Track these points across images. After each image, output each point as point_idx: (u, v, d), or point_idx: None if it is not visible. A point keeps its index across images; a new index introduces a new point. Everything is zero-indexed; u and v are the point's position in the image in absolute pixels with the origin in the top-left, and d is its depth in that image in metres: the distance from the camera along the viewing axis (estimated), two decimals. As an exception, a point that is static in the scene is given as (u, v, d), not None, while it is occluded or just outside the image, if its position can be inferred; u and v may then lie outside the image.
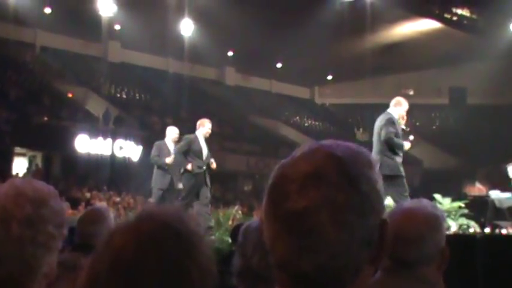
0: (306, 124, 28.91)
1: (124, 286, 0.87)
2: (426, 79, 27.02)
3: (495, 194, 8.71)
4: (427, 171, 23.67)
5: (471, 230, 7.53)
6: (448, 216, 7.45)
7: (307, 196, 0.82)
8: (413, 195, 10.12)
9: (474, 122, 25.30)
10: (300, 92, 30.85)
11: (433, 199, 7.73)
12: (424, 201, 1.72)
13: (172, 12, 20.34)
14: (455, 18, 23.44)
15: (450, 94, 27.96)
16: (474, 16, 23.40)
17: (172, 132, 8.74)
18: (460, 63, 24.79)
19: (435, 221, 1.66)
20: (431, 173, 22.80)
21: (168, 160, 8.42)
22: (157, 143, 8.69)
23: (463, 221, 7.42)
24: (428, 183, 18.62)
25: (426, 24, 23.49)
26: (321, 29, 20.13)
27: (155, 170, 8.48)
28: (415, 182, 20.77)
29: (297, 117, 29.17)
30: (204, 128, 8.38)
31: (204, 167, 8.13)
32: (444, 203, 7.70)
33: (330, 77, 29.31)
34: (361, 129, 27.80)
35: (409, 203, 1.73)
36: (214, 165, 8.13)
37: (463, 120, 26.07)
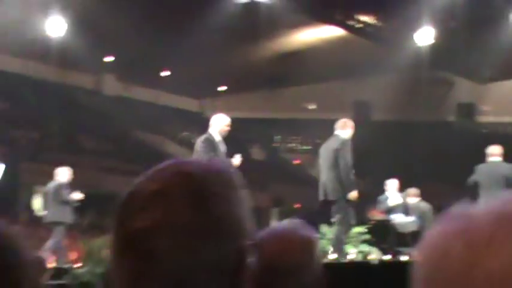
0: (193, 141, 29.01)
1: None
2: (329, 92, 28.04)
3: (397, 218, 9.27)
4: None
5: (372, 257, 8.01)
6: (349, 242, 7.92)
7: (149, 215, 0.82)
8: (313, 219, 10.61)
9: (379, 140, 26.62)
10: (189, 104, 30.98)
11: (330, 224, 8.18)
12: (297, 223, 1.71)
13: (38, 7, 19.76)
14: (359, 25, 24.63)
15: (354, 108, 29.21)
16: (379, 24, 24.72)
17: (222, 121, 7.84)
18: (365, 75, 25.99)
19: (311, 245, 1.66)
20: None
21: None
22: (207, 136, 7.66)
23: (365, 247, 7.87)
24: (330, 206, 19.38)
25: (328, 32, 24.51)
26: (212, 34, 20.41)
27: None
28: (316, 205, 21.53)
29: (185, 133, 29.21)
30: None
31: None
32: (346, 228, 8.17)
33: (222, 88, 29.66)
34: (256, 147, 28.33)
35: (281, 225, 1.73)
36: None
37: (367, 138, 27.30)
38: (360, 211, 20.59)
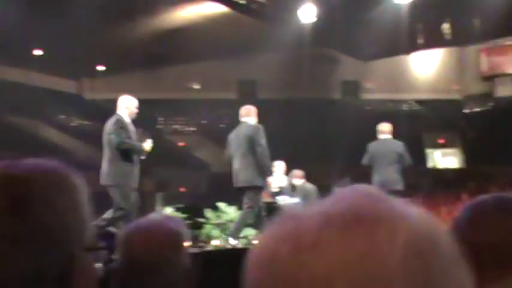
0: (73, 124, 28.29)
1: None
2: (212, 71, 28.07)
3: (282, 200, 9.46)
4: (215, 176, 24.72)
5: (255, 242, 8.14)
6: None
7: None
8: (198, 203, 10.63)
9: (265, 119, 27.07)
10: (66, 85, 30.03)
11: (215, 208, 8.24)
12: (163, 216, 1.75)
13: None
14: (242, 1, 24.76)
15: (239, 88, 29.45)
16: (263, 0, 24.97)
17: (130, 102, 7.73)
18: (250, 53, 26.21)
19: (177, 239, 1.66)
20: (221, 178, 23.81)
21: (148, 145, 7.62)
22: (120, 118, 7.47)
23: (250, 231, 7.98)
24: (217, 189, 19.51)
25: (211, 8, 24.47)
26: (89, 9, 19.87)
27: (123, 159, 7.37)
28: (201, 188, 21.60)
29: (62, 116, 28.40)
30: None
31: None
32: (229, 211, 8.24)
33: (101, 68, 29.02)
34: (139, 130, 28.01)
35: (146, 220, 1.72)
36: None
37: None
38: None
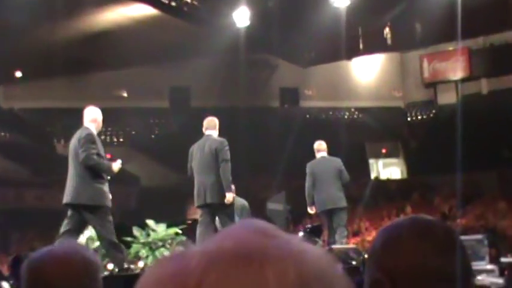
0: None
1: None
2: (142, 77, 27.82)
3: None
4: (145, 190, 24.41)
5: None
6: (163, 246, 7.88)
7: None
8: (126, 221, 10.41)
9: (198, 128, 26.93)
10: (-21, 93, 29.23)
11: (145, 226, 8.10)
12: (76, 244, 1.75)
13: None
14: (173, 3, 24.64)
15: (171, 95, 29.26)
16: (195, 2, 24.91)
17: (98, 114, 7.38)
18: (182, 58, 26.07)
19: (93, 268, 1.69)
20: (151, 192, 23.56)
21: (116, 166, 7.39)
22: (90, 132, 7.17)
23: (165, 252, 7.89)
24: (146, 204, 19.24)
25: (140, 10, 24.24)
26: (7, 10, 19.42)
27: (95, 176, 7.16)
28: (131, 204, 21.30)
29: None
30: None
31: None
32: (158, 229, 8.11)
33: (18, 74, 28.34)
34: (62, 141, 27.42)
35: (60, 247, 1.77)
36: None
37: (186, 127, 27.47)
38: (179, 208, 20.71)
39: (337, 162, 9.45)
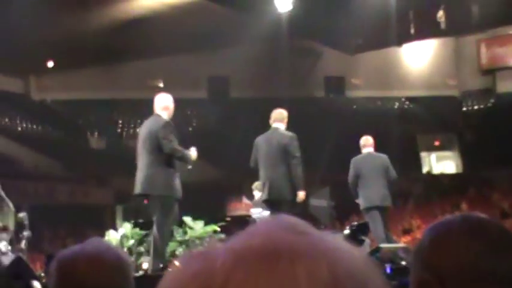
0: (19, 128, 27.93)
1: None
2: (179, 67, 27.94)
3: (257, 214, 9.39)
4: (182, 186, 24.46)
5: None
6: (201, 244, 7.86)
7: None
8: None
9: (238, 120, 26.90)
10: (11, 84, 29.64)
11: (181, 223, 8.09)
12: (104, 242, 1.82)
13: None
14: (211, -12, 24.67)
15: (209, 85, 29.33)
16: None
17: (171, 102, 7.65)
18: (220, 47, 26.11)
19: (124, 267, 1.74)
20: (188, 188, 23.60)
21: (194, 154, 7.50)
22: (168, 121, 7.40)
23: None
24: (183, 200, 19.28)
25: (175, -5, 24.34)
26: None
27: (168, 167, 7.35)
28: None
29: (6, 119, 28.03)
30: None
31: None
32: (196, 227, 8.09)
33: (50, 64, 28.70)
34: (96, 134, 27.74)
35: (89, 244, 1.78)
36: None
37: (225, 119, 27.53)
38: (218, 204, 20.73)
39: (384, 159, 9.52)
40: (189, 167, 7.48)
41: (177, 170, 7.37)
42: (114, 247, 1.83)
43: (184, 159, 7.30)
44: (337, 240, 0.59)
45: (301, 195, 7.98)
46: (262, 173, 8.12)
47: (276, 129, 8.23)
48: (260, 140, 8.25)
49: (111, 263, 1.70)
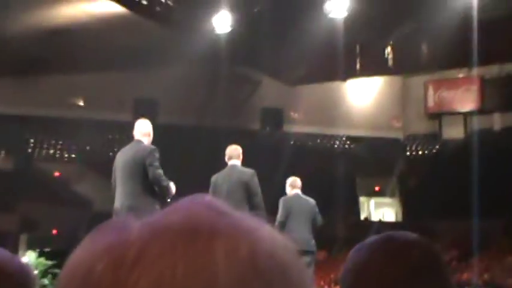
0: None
1: None
2: (103, 85, 27.69)
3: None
4: (98, 217, 24.13)
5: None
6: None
7: None
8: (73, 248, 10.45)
9: (165, 148, 26.74)
10: None
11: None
12: (3, 252, 1.76)
13: None
14: (144, 2, 24.59)
15: (135, 108, 29.10)
16: (170, 3, 24.87)
17: (145, 126, 7.89)
18: (151, 66, 25.99)
19: (30, 280, 1.67)
20: (104, 219, 23.26)
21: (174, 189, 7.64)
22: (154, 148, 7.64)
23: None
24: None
25: (104, 7, 24.17)
26: None
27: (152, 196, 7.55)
28: (80, 231, 21.06)
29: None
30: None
31: None
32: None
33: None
34: (2, 153, 27.20)
35: None
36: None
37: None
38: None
39: (313, 204, 9.91)
40: (168, 199, 7.61)
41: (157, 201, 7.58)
42: (17, 257, 1.71)
43: (168, 190, 7.47)
44: (258, 222, 0.62)
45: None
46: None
47: (234, 166, 8.55)
48: (219, 178, 8.52)
49: (15, 274, 1.63)
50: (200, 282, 0.54)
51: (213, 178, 8.60)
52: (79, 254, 0.60)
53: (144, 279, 0.55)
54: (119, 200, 7.51)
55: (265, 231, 0.61)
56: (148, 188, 7.37)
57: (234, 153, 8.69)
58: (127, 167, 7.48)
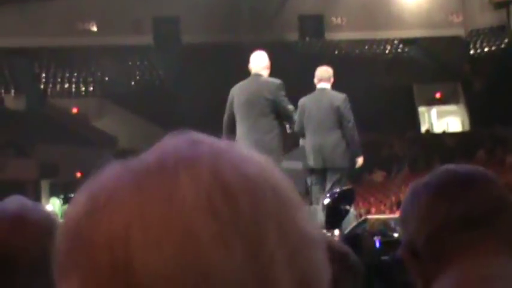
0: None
1: None
2: (117, 6, 27.78)
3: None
4: (124, 154, 24.42)
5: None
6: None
7: None
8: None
9: (191, 70, 26.88)
10: None
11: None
12: (25, 200, 1.80)
13: None
14: None
15: (155, 29, 29.26)
16: None
17: (263, 59, 8.32)
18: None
19: (54, 227, 1.75)
20: (132, 154, 23.60)
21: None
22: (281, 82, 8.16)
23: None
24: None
25: None
26: None
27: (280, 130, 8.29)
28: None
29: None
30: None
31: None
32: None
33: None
34: (12, 91, 27.47)
35: (12, 204, 1.80)
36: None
37: (176, 69, 27.44)
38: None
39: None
40: (289, 131, 8.32)
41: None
42: (40, 205, 1.86)
43: (294, 121, 8.25)
44: (235, 145, 0.69)
45: (360, 161, 8.58)
46: (310, 138, 8.57)
47: (323, 89, 8.59)
48: (307, 103, 8.58)
49: (38, 222, 1.74)
50: (165, 209, 0.62)
51: (301, 102, 8.63)
52: (69, 207, 0.69)
53: (117, 216, 0.63)
54: (243, 136, 7.88)
55: (238, 153, 0.68)
56: (276, 123, 7.95)
57: (324, 75, 8.64)
58: (252, 103, 7.92)
